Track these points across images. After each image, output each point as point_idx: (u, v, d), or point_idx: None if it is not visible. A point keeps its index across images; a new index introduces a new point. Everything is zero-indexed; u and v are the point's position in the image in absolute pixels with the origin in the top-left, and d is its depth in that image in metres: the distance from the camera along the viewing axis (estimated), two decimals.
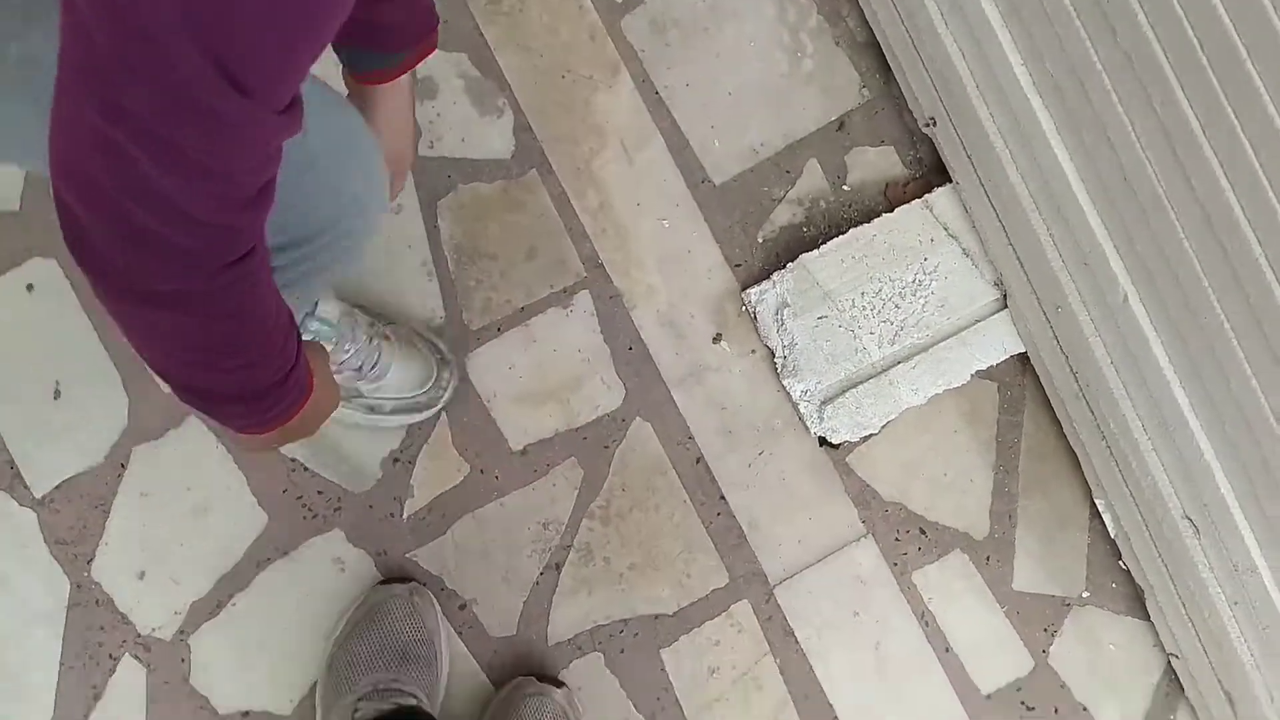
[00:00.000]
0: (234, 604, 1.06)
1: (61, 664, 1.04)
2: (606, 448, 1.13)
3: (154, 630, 1.05)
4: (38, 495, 1.07)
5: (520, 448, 1.12)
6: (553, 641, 1.11)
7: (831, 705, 1.13)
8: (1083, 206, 0.95)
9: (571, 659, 1.10)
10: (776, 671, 1.13)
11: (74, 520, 1.07)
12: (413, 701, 0.98)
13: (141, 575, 1.05)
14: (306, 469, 1.09)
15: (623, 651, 1.11)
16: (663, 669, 1.12)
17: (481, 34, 1.15)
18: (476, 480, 1.11)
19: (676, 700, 1.11)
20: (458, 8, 1.15)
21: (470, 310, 1.13)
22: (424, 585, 1.07)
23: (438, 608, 1.06)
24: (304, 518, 1.08)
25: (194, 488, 1.08)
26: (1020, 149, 1.01)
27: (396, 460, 1.10)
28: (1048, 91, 0.95)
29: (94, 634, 1.05)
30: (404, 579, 1.06)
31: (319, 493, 1.08)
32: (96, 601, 1.05)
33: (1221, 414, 0.90)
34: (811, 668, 1.14)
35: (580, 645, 1.11)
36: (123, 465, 1.07)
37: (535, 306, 1.14)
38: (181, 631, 1.05)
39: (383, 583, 1.06)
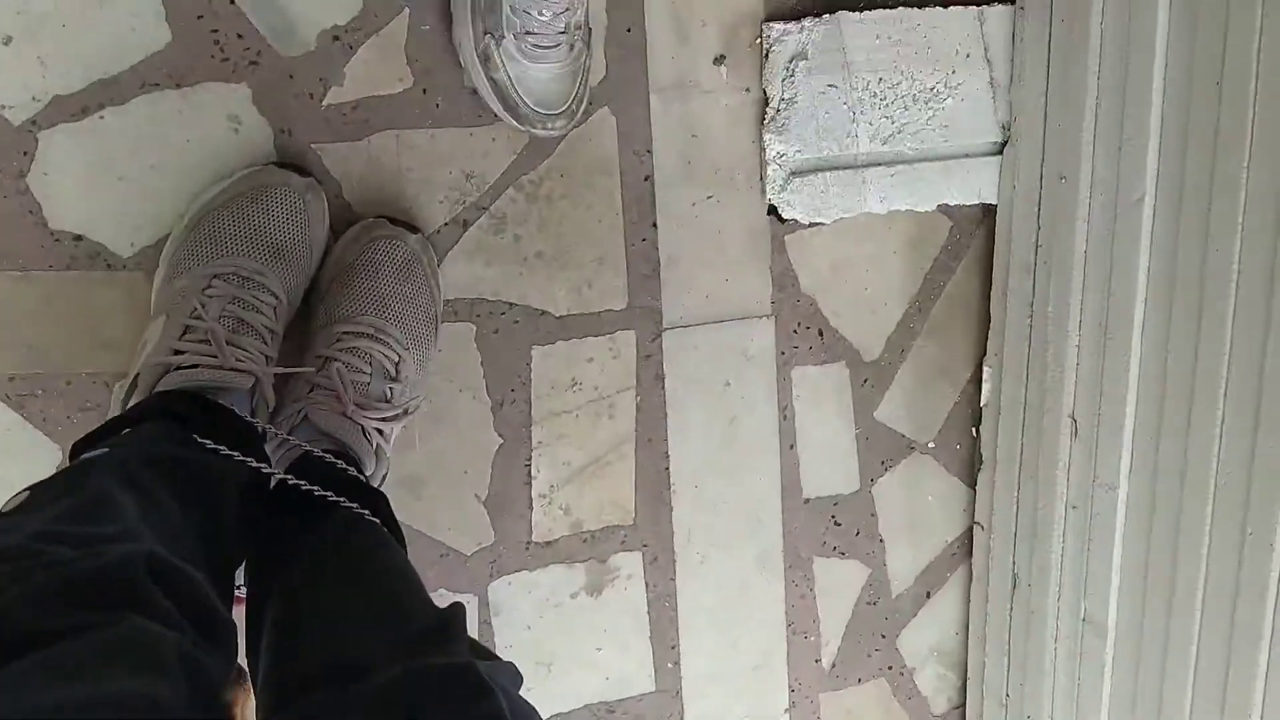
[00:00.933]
0: (102, 116, 0.91)
1: None
2: None
3: (3, 107, 0.89)
4: None
5: (473, 87, 1.00)
6: None
7: (668, 456, 1.13)
8: (1153, 89, 0.89)
9: (444, 321, 1.03)
10: (633, 407, 1.11)
11: None
12: (272, 301, 0.88)
13: (7, 41, 0.87)
14: (233, 2, 0.92)
15: (496, 332, 1.05)
16: (528, 364, 1.07)
17: None
18: (415, 98, 0.98)
19: (529, 398, 1.08)
20: None
21: None
22: (321, 185, 0.95)
23: (328, 218, 0.95)
24: (213, 56, 0.92)
25: None
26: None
27: (337, 38, 0.95)
28: None
29: None
30: (302, 171, 0.94)
31: (239, 35, 0.92)
32: None
33: (1169, 343, 0.91)
34: (666, 416, 1.12)
35: (457, 310, 1.04)
36: None
37: None
38: (33, 122, 0.89)
39: (279, 166, 0.94)
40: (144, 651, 0.47)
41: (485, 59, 0.93)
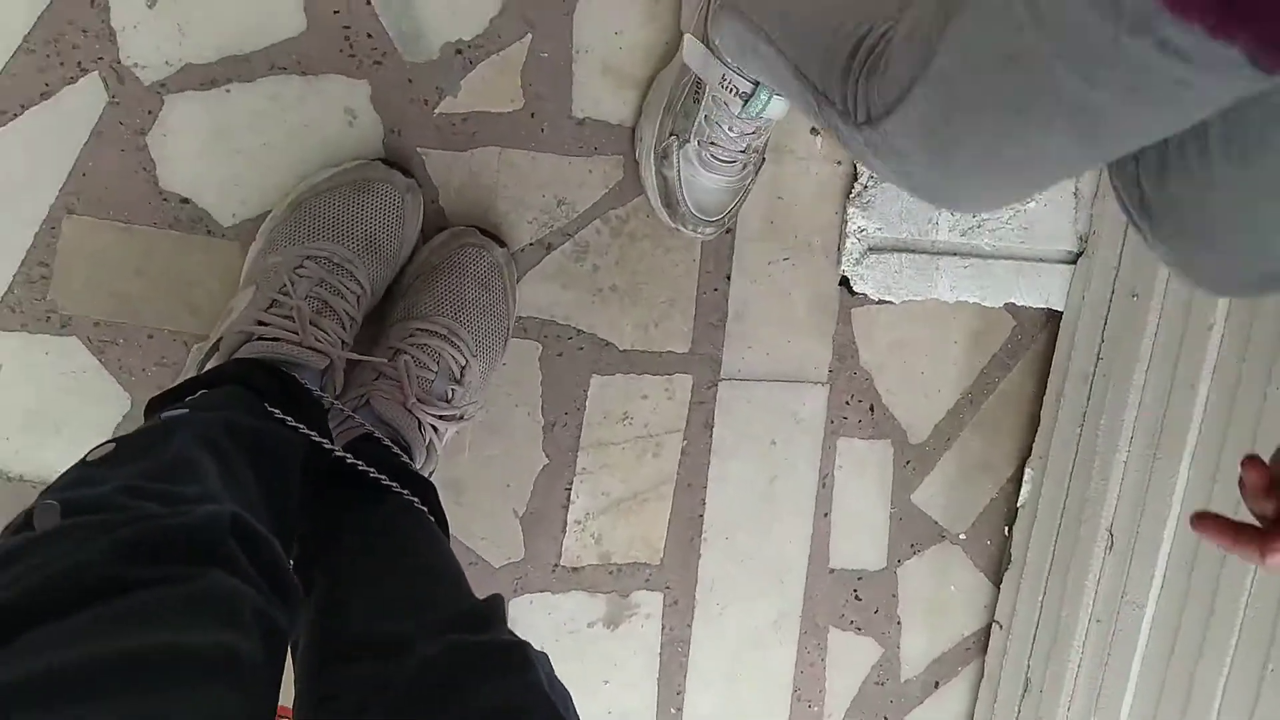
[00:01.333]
0: (229, 90, 0.95)
1: (24, 42, 0.91)
2: None
3: (136, 65, 0.93)
4: None
5: (581, 117, 1.03)
6: None
7: (705, 503, 1.15)
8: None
9: (513, 336, 1.05)
10: (678, 450, 1.13)
11: None
12: (356, 290, 0.92)
13: (152, 4, 0.92)
14: (369, 2, 0.97)
15: (560, 355, 1.08)
16: (585, 391, 1.09)
17: None
18: (523, 120, 1.02)
19: (581, 424, 1.10)
20: None
21: None
22: (420, 187, 0.99)
23: (421, 220, 0.99)
24: (341, 50, 0.97)
25: None
26: None
27: (460, 51, 0.99)
28: None
29: (72, 32, 0.92)
30: (406, 171, 0.98)
31: (368, 35, 0.97)
32: (91, 1, 0.92)
33: (1218, 472, 0.92)
34: (709, 463, 1.14)
35: (527, 328, 1.07)
36: None
37: None
38: (163, 84, 0.94)
39: (385, 163, 0.98)
40: (225, 606, 0.49)
41: (663, 156, 0.98)
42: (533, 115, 1.02)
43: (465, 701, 0.57)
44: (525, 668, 0.59)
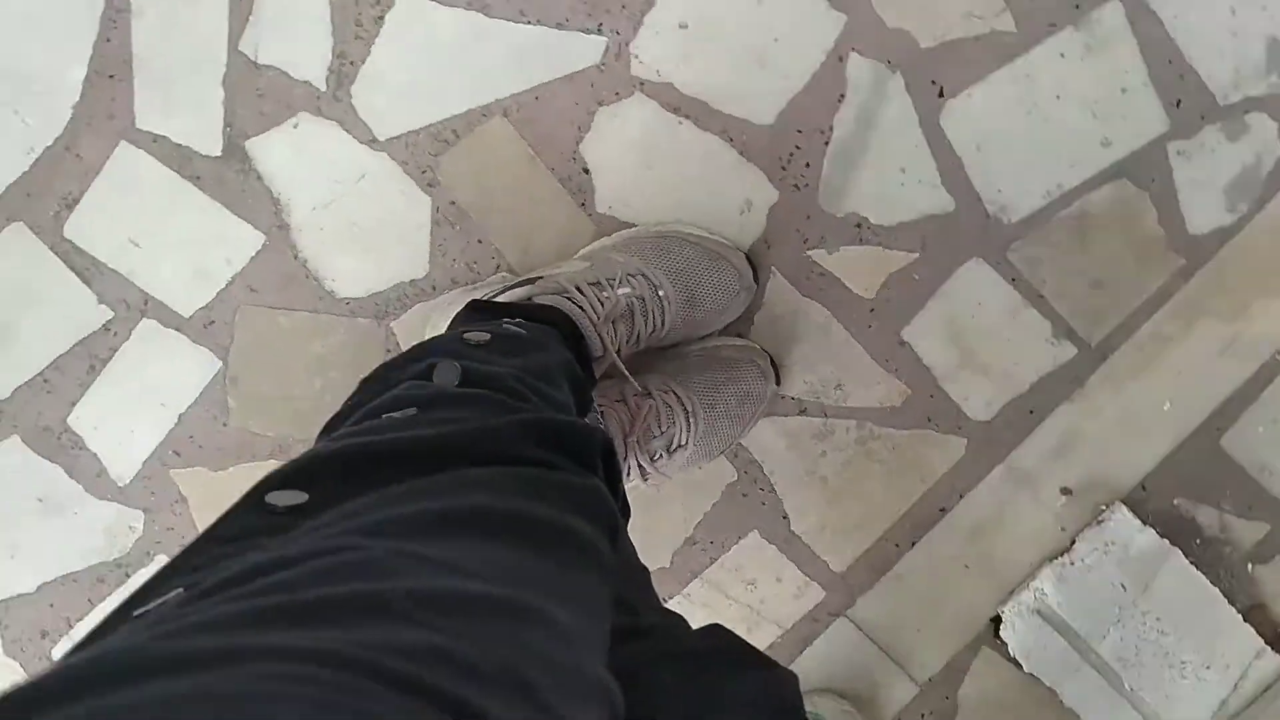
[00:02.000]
0: (681, 122, 1.07)
1: None
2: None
3: (637, 57, 1.06)
4: None
5: (905, 340, 1.11)
6: None
7: None
8: None
9: (725, 454, 1.12)
10: (769, 641, 1.16)
11: None
12: (658, 323, 1.00)
13: (685, 25, 1.05)
14: (826, 143, 1.07)
15: (744, 495, 1.13)
16: (739, 538, 1.14)
17: None
18: (859, 309, 1.10)
19: (714, 559, 1.15)
20: None
21: (1018, 252, 1.10)
22: (754, 292, 1.08)
23: (738, 317, 1.09)
24: (779, 157, 1.07)
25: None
26: None
27: (859, 225, 1.09)
28: None
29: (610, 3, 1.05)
30: (756, 274, 1.08)
31: (807, 164, 1.07)
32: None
33: None
34: None
35: (736, 454, 1.13)
36: None
37: (1045, 307, 1.10)
38: (642, 83, 1.06)
39: (747, 258, 1.07)
40: (604, 513, 0.54)
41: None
42: (871, 310, 1.11)
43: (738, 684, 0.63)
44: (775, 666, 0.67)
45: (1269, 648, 1.13)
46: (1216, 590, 1.13)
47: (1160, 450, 1.13)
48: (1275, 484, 1.14)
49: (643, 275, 0.99)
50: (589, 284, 0.96)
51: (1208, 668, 1.13)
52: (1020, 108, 1.07)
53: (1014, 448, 1.13)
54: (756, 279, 1.08)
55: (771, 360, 1.09)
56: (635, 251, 1.03)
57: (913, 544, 1.14)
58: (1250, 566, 1.15)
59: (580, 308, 0.93)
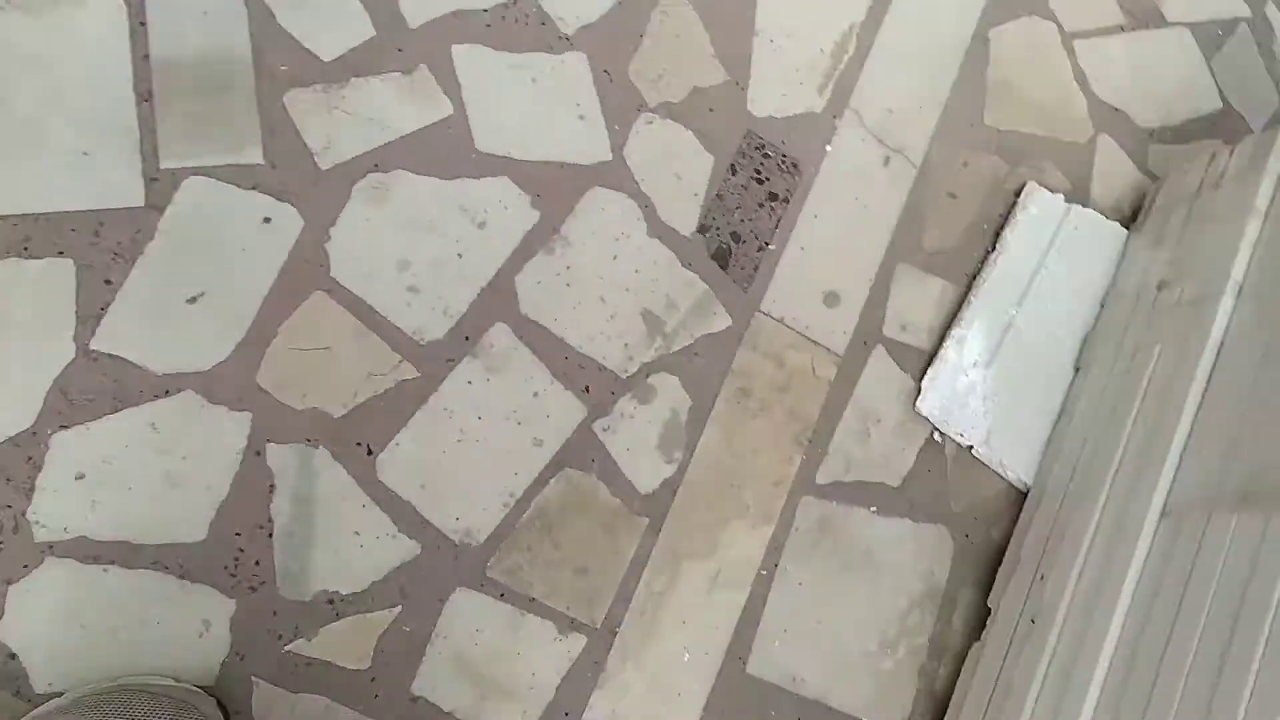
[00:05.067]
0: (106, 570, 1.01)
1: None
2: None
3: (37, 522, 1.00)
4: None
5: (417, 694, 1.08)
6: None
7: None
8: None
9: None
10: None
11: None
12: None
13: (80, 477, 1.01)
14: (270, 536, 1.06)
15: None
16: None
17: (714, 401, 1.22)
18: (362, 682, 1.06)
19: None
20: (719, 369, 1.22)
21: (499, 560, 1.12)
22: None
23: None
24: (225, 567, 1.04)
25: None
26: None
27: (331, 602, 1.06)
28: None
29: None
30: (226, 712, 1.01)
31: (256, 562, 1.05)
32: (28, 458, 1.01)
33: None
34: None
35: None
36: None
37: (543, 609, 1.13)
38: (50, 546, 1.00)
39: (214, 699, 1.00)
40: None
41: None
42: (373, 679, 1.07)
43: None
44: None
45: None
46: None
47: (697, 703, 1.16)
48: (809, 689, 1.20)
49: None
50: None
51: None
52: (450, 438, 1.12)
53: None
54: (230, 713, 1.01)
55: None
56: (87, 711, 0.94)
57: None
58: None
59: None
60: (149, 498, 1.03)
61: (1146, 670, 0.97)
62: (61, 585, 1.00)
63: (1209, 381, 1.10)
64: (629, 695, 1.14)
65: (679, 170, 1.26)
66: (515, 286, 1.17)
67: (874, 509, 1.25)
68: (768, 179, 1.29)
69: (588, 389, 1.18)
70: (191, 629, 1.03)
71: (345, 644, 1.07)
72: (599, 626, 1.14)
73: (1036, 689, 1.07)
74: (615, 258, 1.21)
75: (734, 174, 1.28)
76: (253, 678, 1.04)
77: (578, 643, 1.13)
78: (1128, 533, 1.07)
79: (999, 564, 1.27)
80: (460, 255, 1.16)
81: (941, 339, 1.32)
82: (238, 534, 1.05)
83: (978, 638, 1.22)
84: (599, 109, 1.24)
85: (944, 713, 1.22)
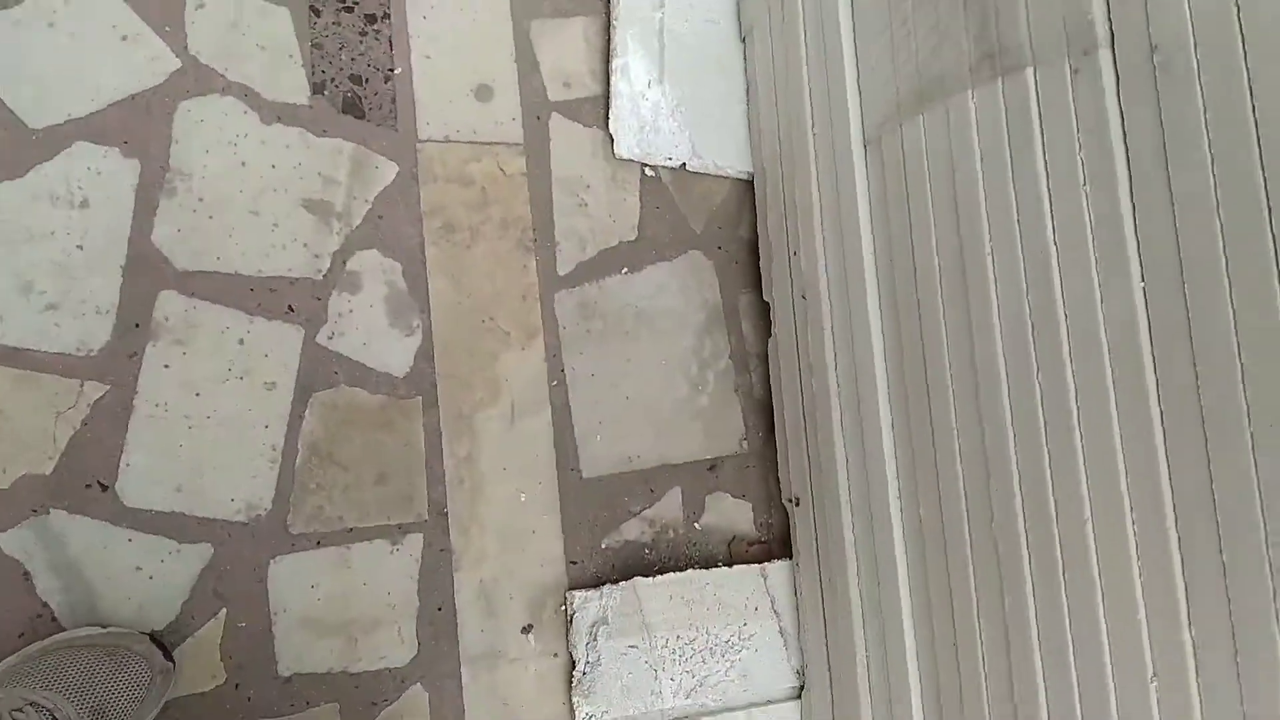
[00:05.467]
0: None
1: None
2: (375, 704, 1.07)
3: None
4: None
5: (287, 674, 1.04)
6: None
7: None
8: (906, 645, 1.00)
9: None
10: None
11: None
12: None
13: None
14: (54, 619, 0.97)
15: None
16: None
17: (423, 252, 1.15)
18: (228, 694, 1.02)
19: None
20: (411, 219, 1.14)
21: (297, 513, 1.06)
22: (172, 670, 0.97)
23: (160, 706, 0.97)
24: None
25: None
26: (867, 565, 1.06)
27: (158, 642, 1.00)
28: (912, 530, 1.01)
29: None
30: (168, 654, 0.97)
31: (38, 615, 0.97)
32: None
33: None
34: None
35: None
36: None
37: (364, 532, 1.08)
38: None
39: (152, 639, 0.97)
40: None
41: None
42: (237, 686, 1.02)
43: None
44: None
45: None
46: None
47: (553, 531, 1.16)
48: (646, 460, 1.20)
49: (30, 705, 0.85)
50: None
51: (745, 625, 1.18)
52: (179, 431, 1.03)
53: (459, 650, 1.11)
54: (171, 657, 0.97)
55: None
56: (15, 680, 0.88)
57: None
58: None
59: None
60: None
61: (906, 292, 0.99)
62: None
63: (853, 3, 1.08)
64: (487, 560, 1.12)
65: (258, 40, 1.12)
66: (157, 247, 1.05)
67: (625, 270, 1.22)
68: (356, 3, 1.17)
69: (291, 308, 1.09)
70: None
71: (194, 671, 1.01)
72: (427, 517, 1.11)
73: (831, 359, 1.10)
74: (243, 164, 1.09)
75: (318, 15, 1.15)
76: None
77: (415, 542, 1.10)
78: (844, 174, 1.07)
79: (759, 260, 1.27)
80: (80, 247, 1.02)
81: (606, 76, 1.25)
82: (21, 635, 0.96)
83: (770, 334, 1.24)
84: (139, 18, 1.08)
85: (772, 413, 1.24)
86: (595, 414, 1.19)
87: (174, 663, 0.99)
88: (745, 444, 1.24)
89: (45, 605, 0.98)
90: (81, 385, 1.01)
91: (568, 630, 1.13)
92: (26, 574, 0.97)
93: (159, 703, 0.98)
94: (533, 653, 1.12)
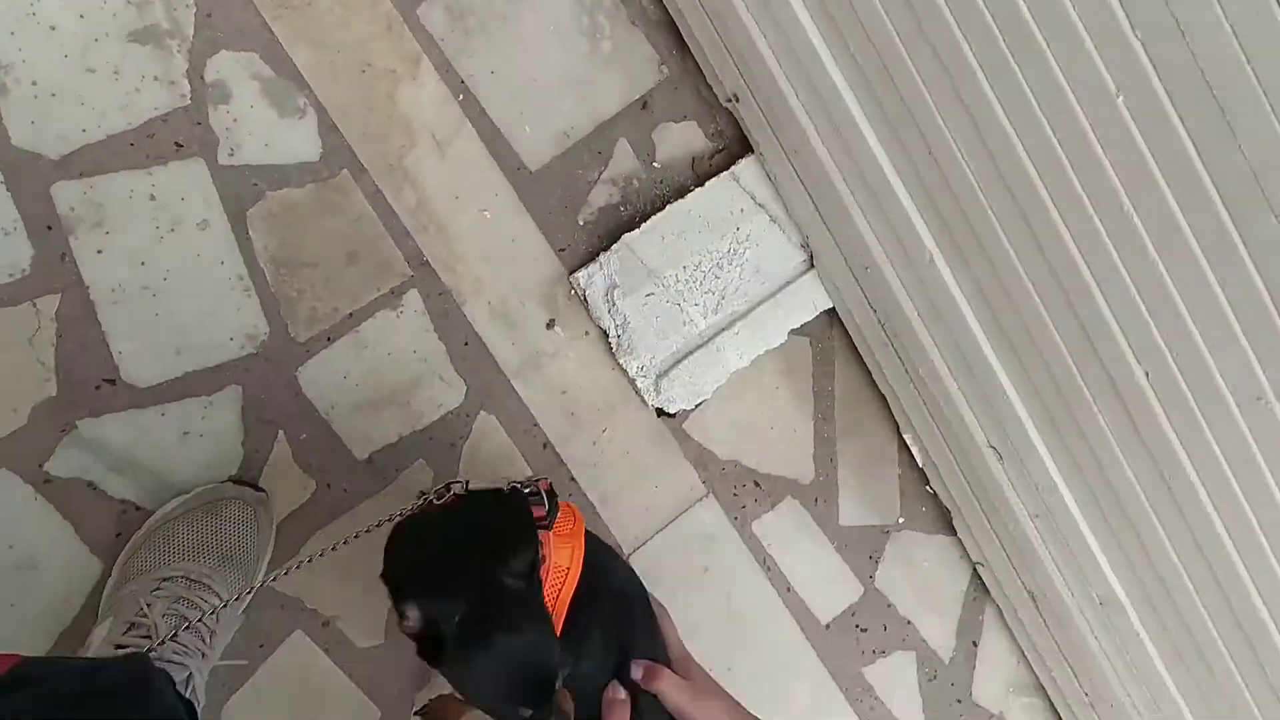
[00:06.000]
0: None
1: None
2: (454, 445, 1.13)
3: None
4: None
5: (366, 456, 1.10)
6: None
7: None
8: (887, 175, 1.02)
9: None
10: None
11: None
12: (215, 603, 0.93)
13: None
14: (138, 509, 1.02)
15: None
16: None
17: (270, 30, 1.09)
18: (324, 496, 1.09)
19: None
20: (241, 5, 1.08)
21: (296, 323, 1.08)
22: (267, 496, 1.05)
23: (273, 529, 1.06)
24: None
25: (16, 544, 1.00)
26: (823, 120, 1.07)
27: (236, 481, 1.06)
28: (850, 70, 1.01)
29: None
30: (256, 487, 1.05)
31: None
32: None
33: (1019, 353, 1.02)
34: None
35: None
36: None
37: (363, 311, 1.11)
38: None
39: (235, 483, 1.04)
40: None
41: None
42: (329, 486, 1.09)
43: None
44: None
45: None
46: None
47: (529, 231, 1.17)
48: (579, 131, 1.19)
49: (165, 580, 0.94)
50: (124, 634, 0.89)
51: (738, 229, 1.21)
52: (145, 302, 1.04)
53: (501, 369, 1.15)
54: (260, 487, 1.05)
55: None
56: (139, 569, 0.97)
57: (572, 478, 1.17)
58: None
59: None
60: (10, 587, 0.99)
61: None
62: None
63: None
64: (484, 283, 1.15)
65: None
66: (22, 148, 1.01)
67: None
68: None
69: (178, 144, 1.05)
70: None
71: (286, 490, 1.07)
72: (411, 272, 1.12)
73: None
74: (53, 29, 1.02)
75: None
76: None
77: (413, 299, 1.12)
78: None
79: None
80: None
81: None
82: (118, 535, 1.01)
83: None
84: None
85: (674, 27, 1.21)
86: (513, 108, 1.17)
87: (264, 491, 1.04)
88: (664, 69, 1.22)
89: (124, 501, 1.02)
90: (34, 305, 1.01)
91: (586, 308, 1.17)
92: (91, 484, 1.02)
93: (272, 528, 1.05)
94: (565, 341, 1.17)
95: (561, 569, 0.84)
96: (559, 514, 0.86)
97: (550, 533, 0.84)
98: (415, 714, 1.06)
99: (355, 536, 0.85)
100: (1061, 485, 1.07)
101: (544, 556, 0.82)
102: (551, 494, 0.86)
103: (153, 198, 1.04)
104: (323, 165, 1.10)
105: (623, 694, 0.85)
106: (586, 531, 0.88)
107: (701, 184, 1.21)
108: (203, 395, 1.05)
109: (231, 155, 1.07)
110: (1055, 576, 1.15)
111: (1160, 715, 1.16)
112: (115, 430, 1.03)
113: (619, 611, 0.90)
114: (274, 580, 0.91)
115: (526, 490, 0.85)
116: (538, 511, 0.84)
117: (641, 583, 0.96)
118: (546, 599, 0.81)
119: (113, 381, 1.03)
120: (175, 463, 1.04)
